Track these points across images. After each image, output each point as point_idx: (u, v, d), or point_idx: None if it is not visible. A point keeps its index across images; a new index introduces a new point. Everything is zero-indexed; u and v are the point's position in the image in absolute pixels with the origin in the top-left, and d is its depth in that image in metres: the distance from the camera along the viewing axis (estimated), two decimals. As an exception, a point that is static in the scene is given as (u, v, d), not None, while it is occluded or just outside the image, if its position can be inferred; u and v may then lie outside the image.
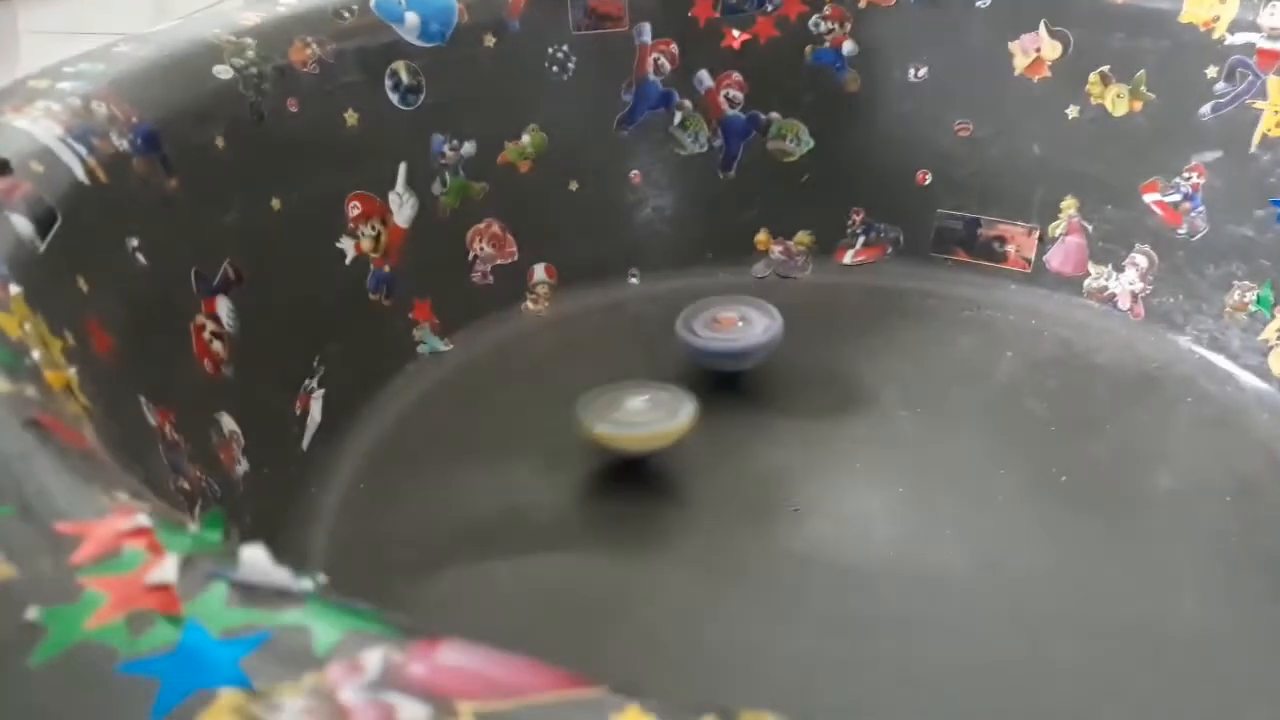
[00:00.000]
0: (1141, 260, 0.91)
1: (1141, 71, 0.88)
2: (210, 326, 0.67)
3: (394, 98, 0.84)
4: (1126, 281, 0.92)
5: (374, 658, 0.26)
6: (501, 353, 0.89)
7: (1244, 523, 0.71)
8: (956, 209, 0.97)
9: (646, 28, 0.94)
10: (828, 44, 0.96)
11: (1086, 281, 0.94)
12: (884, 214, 0.99)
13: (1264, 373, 0.84)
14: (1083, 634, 0.63)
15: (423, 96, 0.86)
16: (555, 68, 0.92)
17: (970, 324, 0.92)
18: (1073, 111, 0.92)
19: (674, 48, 0.95)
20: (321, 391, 0.78)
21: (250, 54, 0.75)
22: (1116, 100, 0.90)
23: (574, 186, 0.95)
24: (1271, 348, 0.84)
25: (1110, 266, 0.93)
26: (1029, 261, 0.96)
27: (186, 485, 0.57)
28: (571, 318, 0.94)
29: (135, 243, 0.61)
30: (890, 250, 0.99)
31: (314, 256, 0.80)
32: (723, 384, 0.83)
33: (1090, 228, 0.93)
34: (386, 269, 0.85)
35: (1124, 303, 0.92)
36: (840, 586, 0.66)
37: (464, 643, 0.27)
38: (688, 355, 0.82)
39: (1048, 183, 0.94)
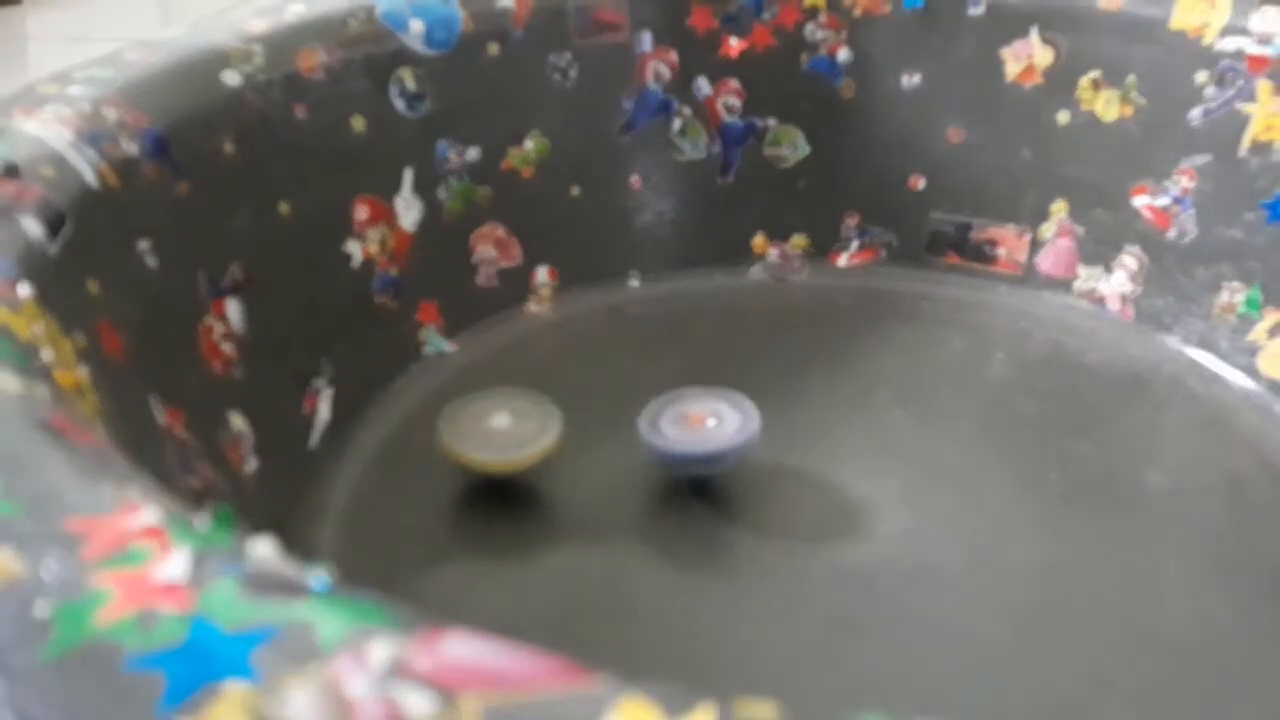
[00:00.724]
0: (1131, 262, 0.91)
1: (1132, 77, 0.89)
2: (219, 327, 0.68)
3: (400, 104, 0.85)
4: (1116, 283, 0.92)
5: (380, 650, 0.26)
6: (505, 353, 0.90)
7: (1234, 521, 0.72)
8: (949, 213, 0.98)
9: (647, 36, 0.94)
10: (823, 52, 0.97)
11: (1076, 283, 0.94)
12: (878, 218, 1.00)
13: (1253, 373, 0.84)
14: (1074, 631, 0.63)
15: (428, 103, 0.86)
16: (557, 75, 0.93)
17: (962, 325, 0.93)
18: (1064, 117, 0.93)
19: (673, 56, 0.95)
20: (330, 391, 0.78)
21: (259, 61, 0.76)
22: (1107, 105, 0.90)
23: (576, 192, 0.96)
24: (1260, 348, 0.84)
25: (1100, 269, 0.93)
26: (1020, 264, 0.97)
27: (196, 483, 0.58)
28: (573, 319, 0.94)
29: (145, 245, 0.61)
30: (884, 253, 1.00)
31: (321, 259, 0.80)
32: (722, 385, 0.83)
33: (1080, 230, 0.94)
34: (393, 272, 0.85)
35: (1114, 304, 0.92)
36: (836, 585, 0.67)
37: (470, 635, 0.27)
38: (650, 456, 0.73)
39: (1039, 187, 0.95)
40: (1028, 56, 0.92)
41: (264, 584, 0.29)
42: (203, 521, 0.32)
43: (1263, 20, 0.83)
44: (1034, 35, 0.92)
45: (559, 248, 0.96)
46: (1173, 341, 0.89)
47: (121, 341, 0.55)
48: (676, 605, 0.66)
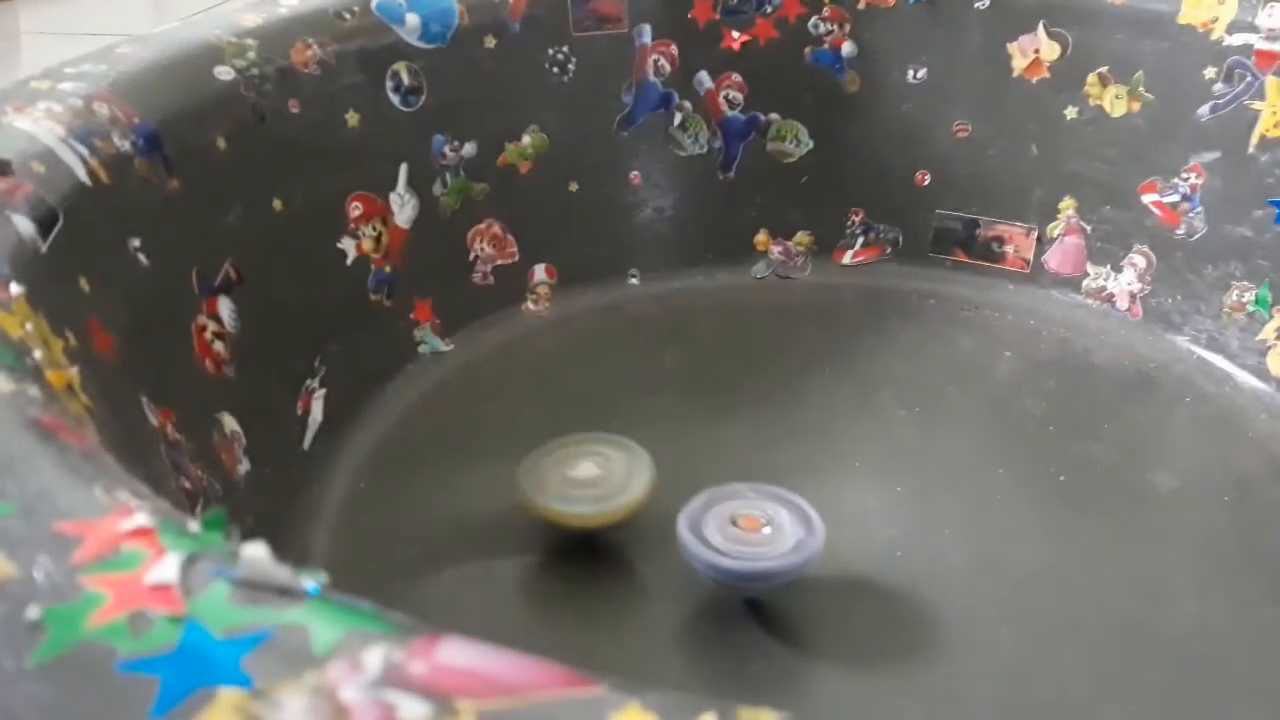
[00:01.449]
0: (1140, 260, 0.91)
1: (1140, 72, 0.88)
2: (212, 326, 0.67)
3: (395, 99, 0.84)
4: (1125, 282, 0.92)
5: (375, 656, 0.26)
6: (502, 353, 0.89)
7: (1242, 522, 0.72)
8: (955, 209, 0.98)
9: (646, 29, 0.94)
10: (827, 45, 0.96)
11: (1085, 282, 0.94)
12: (883, 214, 0.99)
13: (1262, 373, 0.84)
14: (1081, 633, 0.63)
15: (424, 97, 0.86)
16: (555, 69, 0.92)
17: (969, 324, 0.93)
18: (1071, 112, 0.92)
19: (674, 49, 0.95)
20: (323, 391, 0.78)
21: (251, 55, 0.75)
22: (1115, 101, 0.90)
23: (574, 187, 0.95)
24: (1269, 347, 0.84)
25: (1108, 267, 0.93)
26: (1027, 262, 0.96)
27: (188, 485, 0.58)
28: (572, 318, 0.94)
29: (137, 243, 0.61)
30: (889, 250, 1.00)
31: (315, 257, 0.80)
32: (723, 386, 0.83)
33: (1088, 228, 0.93)
34: (387, 269, 0.85)
35: (1122, 303, 0.92)
36: (837, 586, 0.66)
37: (465, 641, 0.27)
38: (689, 561, 0.64)
39: (1046, 183, 0.94)
40: (1035, 51, 0.92)
41: (256, 588, 0.28)
42: (195, 525, 0.31)
43: (1271, 16, 0.83)
44: (1041, 29, 0.91)
45: (557, 245, 0.95)
46: (1182, 341, 0.88)
47: (113, 341, 0.54)
48: (675, 607, 0.65)
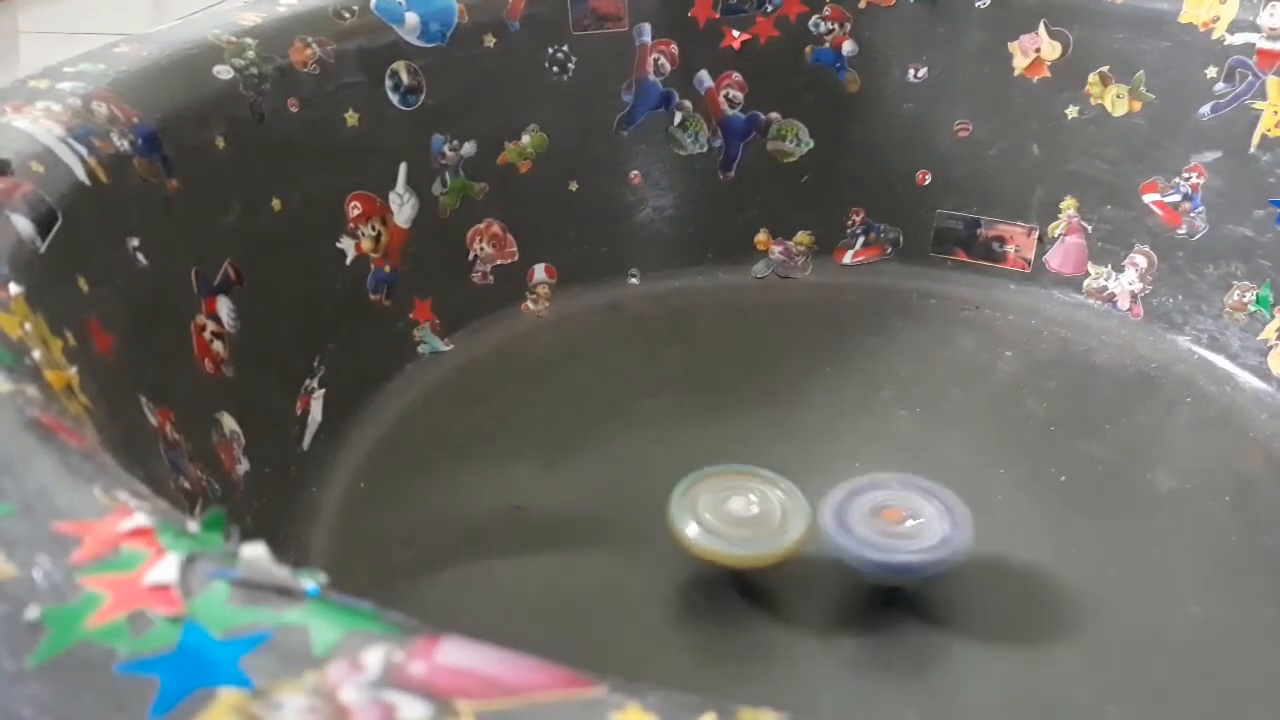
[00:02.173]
0: (1141, 260, 0.91)
1: (1141, 72, 0.88)
2: (211, 326, 0.67)
3: (394, 98, 0.84)
4: (1126, 281, 0.92)
5: (374, 657, 0.26)
6: (502, 353, 0.89)
7: (1243, 522, 0.71)
8: (956, 209, 0.97)
9: (646, 28, 0.94)
10: (828, 44, 0.96)
11: (1086, 281, 0.94)
12: (883, 214, 0.99)
13: (1263, 373, 0.84)
14: (1083, 633, 0.63)
15: (423, 97, 0.86)
16: (555, 68, 0.92)
17: (970, 324, 0.93)
18: (1072, 112, 0.92)
19: (674, 48, 0.95)
20: (322, 391, 0.77)
21: (250, 54, 0.75)
22: (1116, 100, 0.90)
23: (574, 187, 0.95)
24: (1271, 348, 0.84)
25: (1110, 266, 0.93)
26: (1028, 261, 0.96)
27: (187, 485, 0.57)
28: (571, 318, 0.94)
29: (136, 243, 0.61)
30: (890, 250, 0.99)
31: (314, 257, 0.80)
32: (724, 386, 0.83)
33: (1090, 228, 0.93)
34: (387, 269, 0.84)
35: (1123, 303, 0.92)
36: (838, 586, 0.66)
37: (464, 641, 0.27)
38: (830, 549, 0.64)
39: (1047, 183, 0.94)
40: (1036, 50, 0.92)
41: (256, 588, 0.28)
42: (194, 525, 0.31)
43: (1272, 15, 0.83)
44: (1042, 28, 0.91)
45: (557, 244, 0.95)
46: (1183, 341, 0.88)
47: (112, 340, 0.54)
48: (676, 607, 0.65)
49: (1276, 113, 0.83)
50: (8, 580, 0.29)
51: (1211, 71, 0.85)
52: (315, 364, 0.78)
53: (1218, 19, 0.85)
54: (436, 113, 0.87)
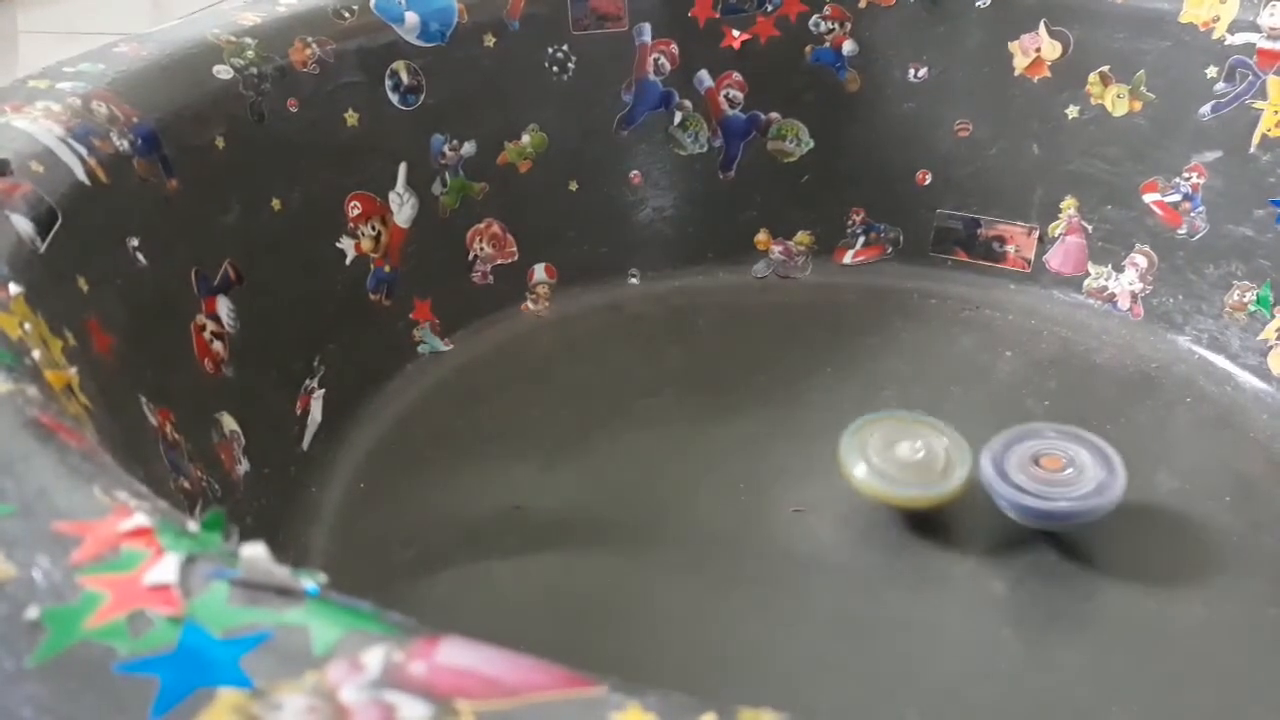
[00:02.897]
0: (1141, 260, 0.91)
1: (1141, 72, 0.88)
2: (211, 326, 0.67)
3: (394, 98, 0.84)
4: (1126, 281, 0.92)
5: (374, 657, 0.26)
6: (501, 353, 0.89)
7: (1244, 523, 0.71)
8: (956, 209, 0.97)
9: (646, 28, 0.94)
10: (828, 44, 0.96)
11: (1086, 281, 0.94)
12: (884, 214, 0.99)
13: (1263, 373, 0.84)
14: (1083, 634, 0.63)
15: (423, 96, 0.86)
16: (555, 68, 0.92)
17: (970, 324, 0.92)
18: (1073, 111, 0.92)
19: (674, 48, 0.95)
20: (322, 391, 0.77)
21: (250, 54, 0.75)
22: (1116, 100, 0.90)
23: (574, 187, 0.95)
24: (1271, 348, 0.84)
25: (1110, 266, 0.93)
26: (1029, 261, 0.96)
27: (187, 485, 0.57)
28: (571, 318, 0.93)
29: (135, 243, 0.61)
30: (890, 250, 0.99)
31: (314, 257, 0.80)
32: (724, 386, 0.83)
33: (1090, 228, 0.93)
34: (387, 269, 0.84)
35: (1124, 303, 0.91)
36: (840, 587, 0.66)
37: (464, 641, 0.27)
38: (992, 496, 0.68)
39: (1047, 183, 0.94)
40: (1036, 50, 0.92)
41: (256, 589, 0.28)
42: (194, 525, 0.31)
43: (1272, 15, 0.83)
44: (1042, 28, 0.91)
45: (557, 244, 0.95)
46: (1183, 340, 0.88)
47: (111, 341, 0.54)
48: (676, 608, 0.65)
49: (1277, 112, 0.83)
50: (8, 580, 0.29)
51: (1212, 71, 0.85)
52: (315, 364, 0.78)
53: (1218, 19, 0.84)
54: (436, 112, 0.87)
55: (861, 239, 0.99)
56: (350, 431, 0.79)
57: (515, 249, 0.93)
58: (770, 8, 0.95)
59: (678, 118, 0.97)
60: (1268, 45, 0.83)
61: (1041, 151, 0.94)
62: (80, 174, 0.58)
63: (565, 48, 0.92)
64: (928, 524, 0.70)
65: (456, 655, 0.27)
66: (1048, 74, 0.92)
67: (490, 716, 0.25)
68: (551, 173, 0.94)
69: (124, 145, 0.63)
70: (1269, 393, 0.83)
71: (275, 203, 0.76)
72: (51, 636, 0.27)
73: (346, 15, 0.82)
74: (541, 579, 0.67)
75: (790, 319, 0.89)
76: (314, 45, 0.79)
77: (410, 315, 0.87)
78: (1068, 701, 0.59)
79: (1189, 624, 0.64)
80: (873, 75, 0.97)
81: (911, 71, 0.96)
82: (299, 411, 0.76)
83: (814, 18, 0.95)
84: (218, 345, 0.67)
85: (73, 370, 0.44)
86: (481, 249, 0.91)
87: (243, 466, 0.67)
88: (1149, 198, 0.90)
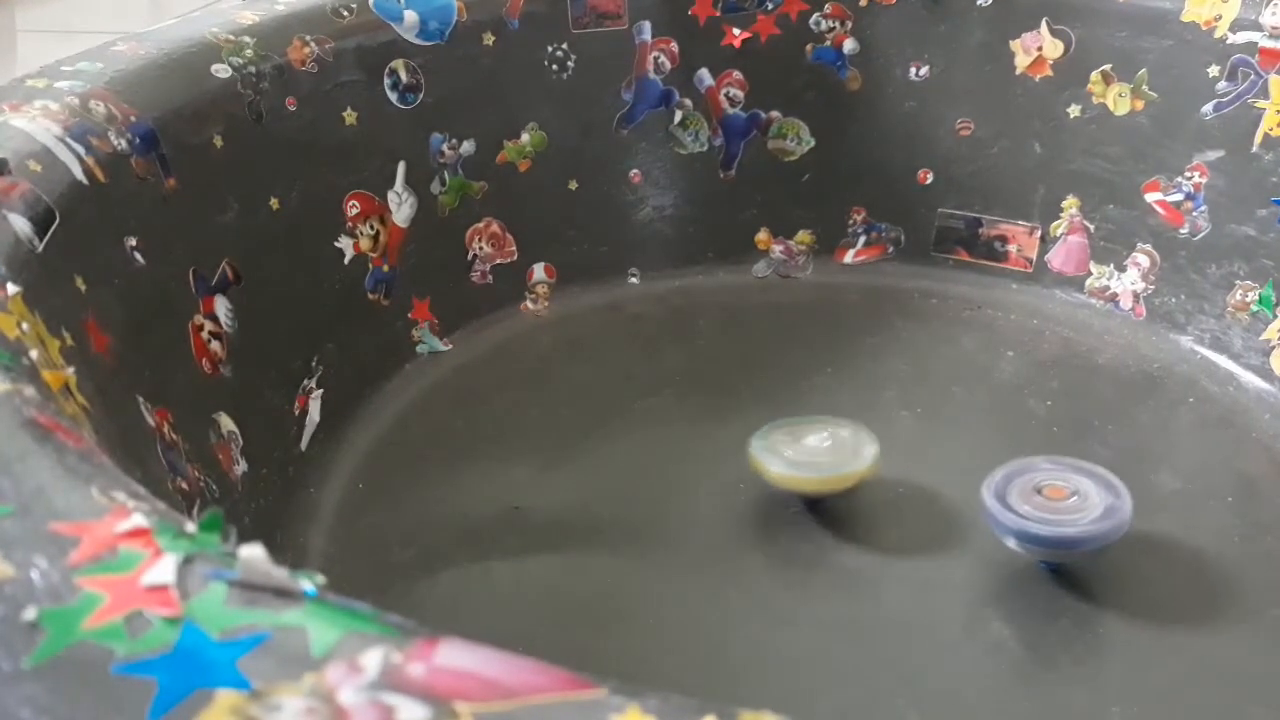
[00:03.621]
0: (1143, 260, 0.91)
1: (1143, 70, 0.88)
2: (208, 326, 0.67)
3: (393, 96, 0.84)
4: (1128, 281, 0.91)
5: (373, 658, 0.26)
6: (500, 353, 0.89)
7: (1246, 523, 0.71)
8: (958, 208, 0.97)
9: (646, 26, 0.94)
10: (829, 42, 0.96)
11: (1088, 281, 0.93)
12: (885, 213, 0.99)
13: (1266, 373, 0.83)
14: (1086, 634, 0.63)
15: (422, 95, 0.86)
16: (555, 66, 0.92)
17: (971, 324, 0.92)
18: (1074, 110, 0.92)
19: (674, 46, 0.95)
20: (320, 391, 0.77)
21: (248, 53, 0.75)
22: (1118, 99, 0.90)
23: (573, 186, 0.95)
24: (1274, 348, 0.83)
25: (1112, 266, 0.92)
26: (1030, 261, 0.96)
27: (184, 485, 0.58)
28: (571, 317, 0.93)
29: (133, 242, 0.61)
30: (891, 249, 0.99)
31: (312, 256, 0.80)
32: (724, 386, 0.83)
33: (1092, 227, 0.93)
34: (385, 268, 0.84)
35: (1126, 302, 0.91)
36: (840, 587, 0.66)
37: (463, 643, 0.27)
38: (993, 529, 0.66)
39: (1049, 182, 0.94)
40: (1037, 48, 0.92)
41: (254, 590, 0.28)
42: (191, 526, 0.31)
43: (1274, 14, 0.82)
44: (1044, 27, 0.91)
45: (556, 244, 0.95)
46: (1185, 340, 0.88)
47: (109, 340, 0.54)
48: (677, 608, 0.65)
49: (1279, 111, 0.83)
50: (5, 581, 0.29)
51: (1214, 70, 0.85)
52: (313, 364, 0.77)
53: (1220, 17, 0.84)
54: (435, 111, 0.87)
55: (862, 238, 0.99)
56: (349, 431, 0.79)
57: (514, 248, 0.93)
58: (771, 6, 0.95)
59: (678, 116, 0.97)
60: (1270, 44, 0.83)
61: (1043, 151, 0.94)
62: (78, 173, 0.58)
63: (565, 46, 0.92)
64: (928, 526, 0.70)
65: (455, 657, 0.26)
66: (1049, 73, 0.92)
67: (489, 718, 0.25)
68: (551, 172, 0.94)
69: (122, 144, 0.63)
70: (1271, 393, 0.82)
71: (273, 202, 0.75)
72: (49, 637, 0.27)
73: (345, 14, 0.82)
74: (541, 579, 0.67)
75: (790, 319, 0.89)
76: (312, 44, 0.79)
77: (409, 315, 0.87)
78: (1068, 701, 0.59)
79: (1189, 624, 0.64)
80: (874, 74, 0.97)
81: (913, 70, 0.96)
82: (297, 411, 0.76)
83: (815, 16, 0.95)
84: (215, 345, 0.67)
85: (70, 370, 0.44)
86: (481, 248, 0.91)
87: (241, 467, 0.67)
88: (1151, 197, 0.90)
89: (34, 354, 0.42)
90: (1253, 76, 0.84)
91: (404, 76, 0.84)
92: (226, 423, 0.67)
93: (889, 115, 0.97)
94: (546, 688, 0.26)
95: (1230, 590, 0.66)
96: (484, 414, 0.82)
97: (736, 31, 0.95)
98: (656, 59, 0.95)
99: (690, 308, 0.95)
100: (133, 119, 0.65)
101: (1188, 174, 0.87)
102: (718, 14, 0.95)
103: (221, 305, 0.69)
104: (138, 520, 0.31)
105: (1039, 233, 0.95)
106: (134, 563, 0.29)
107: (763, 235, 0.99)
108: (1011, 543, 0.65)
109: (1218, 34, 0.84)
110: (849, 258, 0.99)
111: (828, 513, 0.71)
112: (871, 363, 0.86)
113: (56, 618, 0.28)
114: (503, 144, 0.91)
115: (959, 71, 0.95)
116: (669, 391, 0.83)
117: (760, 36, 0.96)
